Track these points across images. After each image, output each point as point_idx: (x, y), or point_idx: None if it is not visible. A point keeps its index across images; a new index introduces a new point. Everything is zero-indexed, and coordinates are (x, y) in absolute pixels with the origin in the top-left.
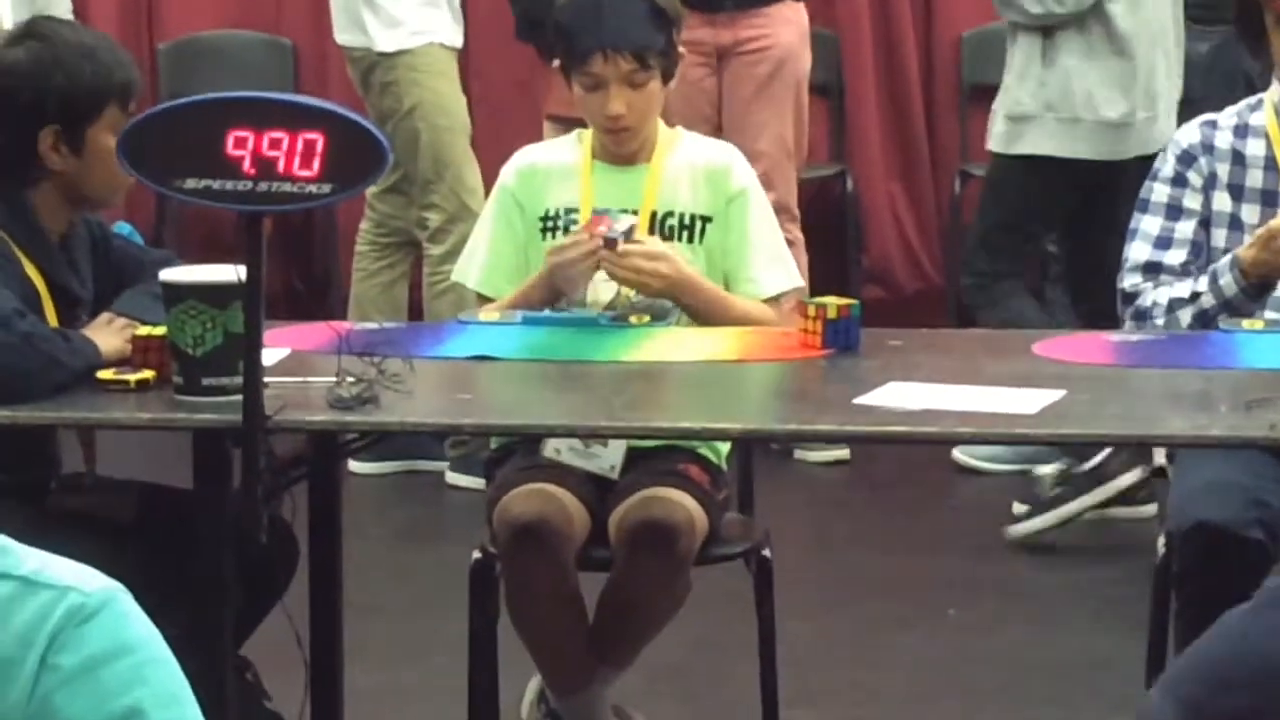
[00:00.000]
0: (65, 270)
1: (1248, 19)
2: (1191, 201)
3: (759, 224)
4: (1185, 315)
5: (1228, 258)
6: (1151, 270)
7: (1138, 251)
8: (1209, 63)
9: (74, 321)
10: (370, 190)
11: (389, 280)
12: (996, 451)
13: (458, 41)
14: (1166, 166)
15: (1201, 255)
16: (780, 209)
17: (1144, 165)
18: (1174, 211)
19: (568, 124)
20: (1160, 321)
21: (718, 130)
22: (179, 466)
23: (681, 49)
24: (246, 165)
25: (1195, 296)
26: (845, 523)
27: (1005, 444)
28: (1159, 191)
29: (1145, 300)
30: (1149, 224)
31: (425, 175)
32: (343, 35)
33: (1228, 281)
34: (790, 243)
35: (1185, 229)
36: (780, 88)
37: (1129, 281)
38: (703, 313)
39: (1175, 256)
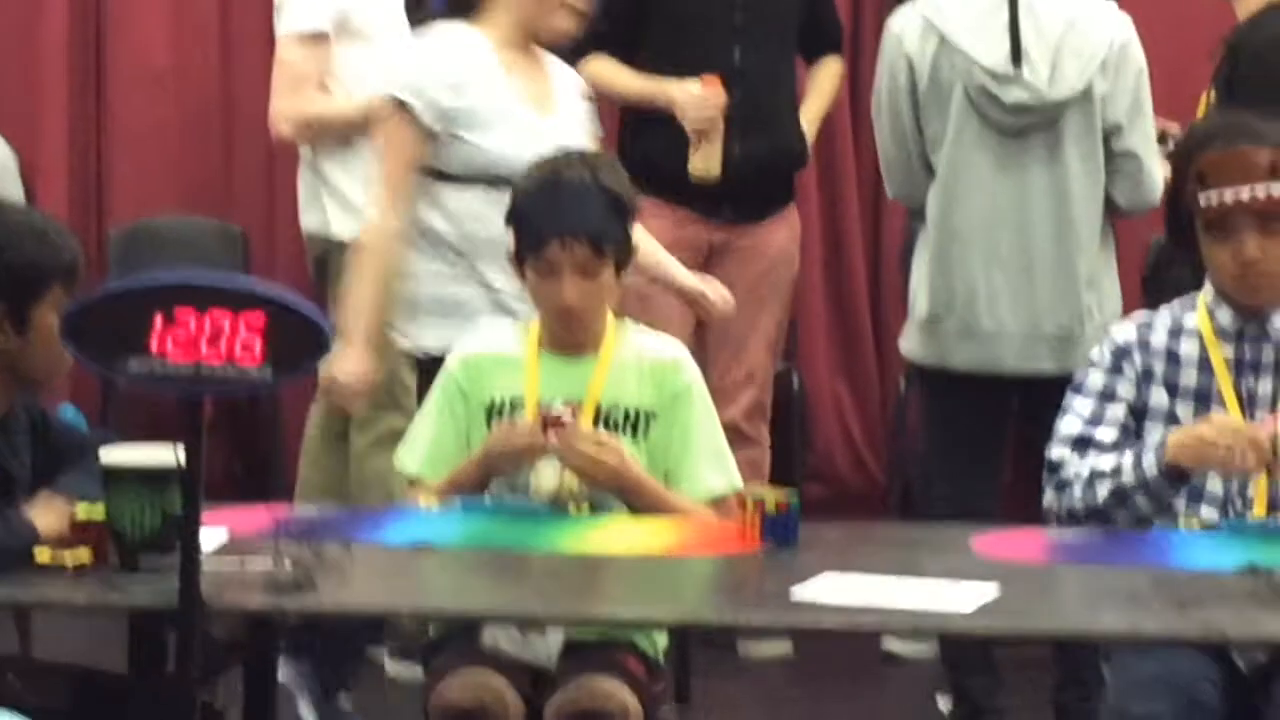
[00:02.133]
0: (3, 451)
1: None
2: (1125, 390)
3: (702, 422)
4: (1103, 489)
5: (1156, 438)
6: (1081, 444)
7: (1069, 425)
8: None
9: (10, 502)
10: None
11: (338, 470)
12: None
13: None
14: (1103, 358)
15: (1130, 438)
16: (757, 410)
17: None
18: (1107, 395)
19: None
20: (1078, 493)
21: (699, 326)
22: (115, 649)
23: (635, 242)
24: (188, 348)
25: (1116, 472)
26: (785, 715)
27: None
28: (1094, 377)
29: (1068, 471)
30: (1081, 404)
31: None
32: (303, 217)
33: (1150, 462)
34: (755, 442)
35: (1117, 411)
36: (771, 287)
37: (1056, 453)
38: (643, 511)
39: (1106, 434)
